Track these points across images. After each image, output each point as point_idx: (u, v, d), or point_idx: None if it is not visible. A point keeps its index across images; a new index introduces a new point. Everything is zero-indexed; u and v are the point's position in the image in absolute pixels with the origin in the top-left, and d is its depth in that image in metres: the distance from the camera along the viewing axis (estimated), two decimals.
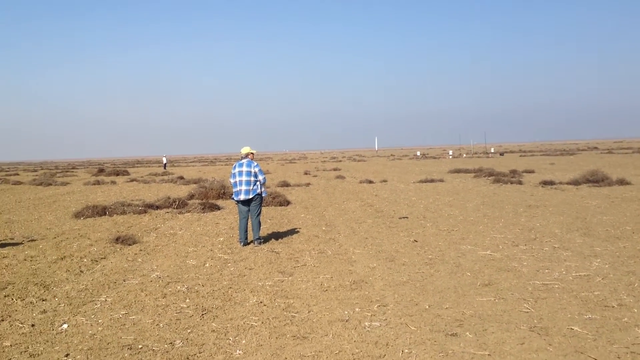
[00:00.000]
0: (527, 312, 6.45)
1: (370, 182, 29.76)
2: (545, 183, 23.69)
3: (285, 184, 28.89)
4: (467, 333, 5.81)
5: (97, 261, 10.21)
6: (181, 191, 26.16)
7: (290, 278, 8.54)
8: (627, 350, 5.21)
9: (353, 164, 67.15)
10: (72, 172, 65.95)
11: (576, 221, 13.12)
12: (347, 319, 6.43)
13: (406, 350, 5.41)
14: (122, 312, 6.92)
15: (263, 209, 15.61)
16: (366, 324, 6.22)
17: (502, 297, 7.07)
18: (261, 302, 7.23)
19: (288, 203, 19.47)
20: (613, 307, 6.52)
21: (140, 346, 5.75)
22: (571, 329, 5.83)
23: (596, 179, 22.92)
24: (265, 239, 12.03)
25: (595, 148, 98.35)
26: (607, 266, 8.52)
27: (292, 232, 13.15)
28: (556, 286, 7.51)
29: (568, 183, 23.57)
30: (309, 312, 6.77)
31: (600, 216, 13.76)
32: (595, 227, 12.21)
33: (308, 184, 29.75)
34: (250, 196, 11.47)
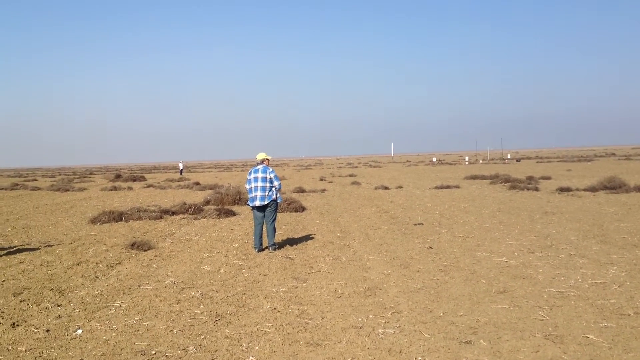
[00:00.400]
0: (542, 319, 6.40)
1: (386, 188, 29.72)
2: (561, 190, 23.50)
3: (301, 190, 28.91)
4: (482, 341, 5.78)
5: (112, 267, 10.28)
6: (197, 197, 26.27)
7: (304, 284, 8.54)
8: None
9: (369, 169, 67.08)
10: (90, 177, 66.46)
11: (593, 228, 13.01)
12: (360, 325, 6.41)
13: (420, 358, 5.38)
14: (136, 318, 6.96)
15: (278, 215, 15.65)
16: (380, 331, 6.20)
17: (517, 305, 7.02)
18: (275, 309, 7.23)
19: (303, 209, 19.48)
20: (629, 315, 6.45)
21: (153, 352, 5.77)
22: (586, 337, 5.77)
23: (613, 186, 22.71)
24: (280, 245, 12.05)
25: (613, 154, 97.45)
26: (623, 274, 8.44)
27: (307, 238, 13.16)
28: (572, 294, 7.45)
29: (585, 190, 23.37)
30: (322, 318, 6.76)
31: (618, 223, 13.63)
32: (612, 234, 12.10)
33: (323, 190, 29.76)
34: (266, 202, 11.50)
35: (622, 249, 10.46)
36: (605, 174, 28.68)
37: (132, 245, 12.09)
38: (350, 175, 48.48)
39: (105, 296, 8.09)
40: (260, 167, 11.65)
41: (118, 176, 55.12)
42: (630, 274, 8.43)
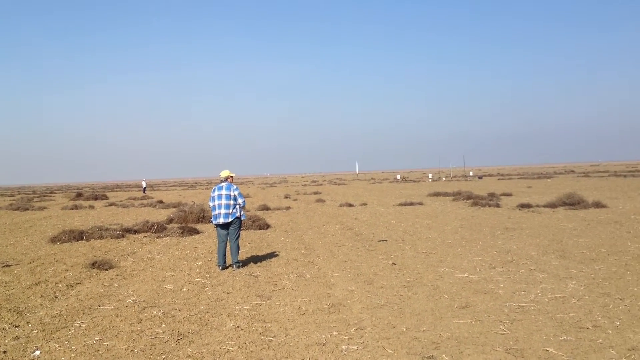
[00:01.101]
0: (503, 334, 6.49)
1: (350, 205, 29.83)
2: (522, 206, 23.90)
3: (265, 208, 28.86)
4: (444, 355, 5.82)
5: (72, 286, 10.09)
6: (160, 215, 26.01)
7: (268, 302, 8.50)
8: None
9: (333, 187, 67.24)
10: (50, 196, 65.23)
11: (552, 243, 13.25)
12: (324, 342, 6.41)
13: None
14: (96, 338, 6.83)
15: (242, 232, 15.57)
16: (343, 347, 6.20)
17: (478, 319, 7.10)
18: (238, 327, 7.18)
19: (268, 226, 19.44)
20: (588, 328, 6.58)
21: None
22: (546, 350, 5.86)
23: (572, 202, 23.19)
24: (244, 263, 11.98)
25: (572, 171, 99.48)
26: (582, 288, 8.61)
27: (271, 255, 13.12)
28: (532, 308, 7.56)
29: (545, 206, 23.81)
30: (286, 336, 6.74)
31: (576, 239, 13.91)
32: (571, 249, 12.33)
33: (288, 208, 29.75)
34: (230, 219, 11.45)
35: (581, 263, 10.67)
36: (565, 191, 29.27)
37: (93, 264, 11.89)
38: (315, 193, 48.52)
39: (65, 316, 7.93)
40: (224, 184, 11.61)
41: (79, 195, 54.22)
42: (589, 288, 8.61)
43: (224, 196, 11.47)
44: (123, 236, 17.55)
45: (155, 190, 79.24)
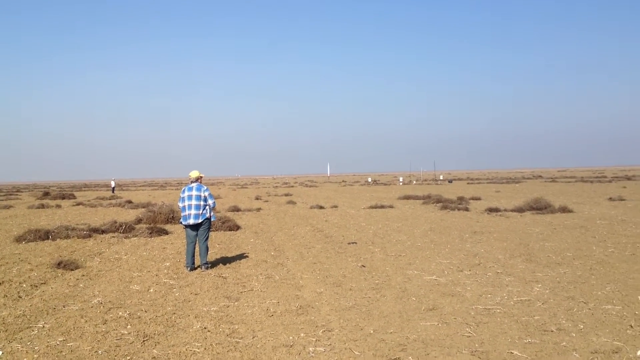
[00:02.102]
0: (469, 336, 6.55)
1: (321, 207, 29.85)
2: (490, 210, 24.19)
3: (236, 209, 28.75)
4: (410, 357, 5.85)
5: (36, 286, 9.93)
6: (129, 215, 25.72)
7: (236, 303, 8.46)
8: None
9: (305, 189, 67.25)
10: (16, 195, 64.04)
11: (519, 247, 13.42)
12: (291, 344, 6.40)
13: None
14: (59, 339, 6.72)
15: (212, 233, 15.48)
16: (310, 349, 6.20)
17: (445, 322, 7.16)
18: (205, 328, 7.13)
19: (238, 228, 19.35)
20: (552, 331, 6.67)
21: None
22: (511, 352, 5.93)
23: (539, 207, 23.53)
24: (213, 264, 11.91)
25: (540, 177, 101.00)
26: (547, 291, 8.73)
27: (241, 257, 13.07)
28: (498, 311, 7.65)
29: (512, 210, 24.13)
30: (253, 337, 6.71)
31: (543, 243, 14.10)
32: (537, 253, 12.51)
33: (259, 209, 29.66)
34: (200, 220, 11.38)
35: (547, 267, 10.83)
36: (532, 196, 29.68)
37: (59, 264, 11.70)
38: (286, 195, 48.46)
39: (28, 317, 7.79)
40: (194, 185, 11.53)
41: (46, 194, 53.34)
42: (554, 291, 8.73)
43: (194, 197, 11.40)
44: (90, 236, 17.31)
45: (124, 190, 78.38)
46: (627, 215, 21.02)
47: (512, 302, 8.09)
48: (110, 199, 45.17)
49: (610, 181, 64.72)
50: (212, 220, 11.76)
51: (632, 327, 6.73)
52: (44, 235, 16.73)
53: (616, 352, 5.83)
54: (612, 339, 6.27)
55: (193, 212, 11.38)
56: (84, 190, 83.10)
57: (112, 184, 70.82)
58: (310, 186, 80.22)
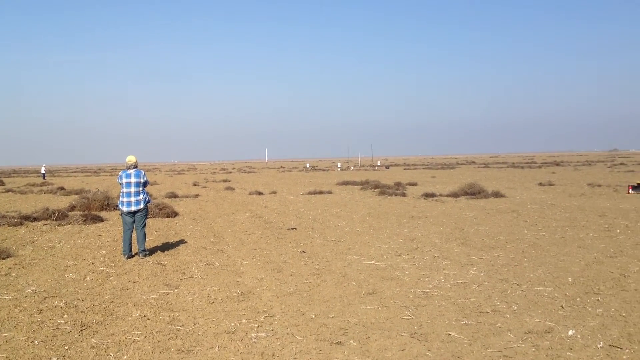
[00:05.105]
0: (408, 319, 6.70)
1: (260, 193, 29.78)
2: (427, 195, 24.68)
3: (173, 195, 28.35)
4: (352, 341, 5.95)
5: None
6: (61, 202, 24.97)
7: (176, 291, 8.38)
8: (500, 354, 5.52)
9: (243, 175, 66.86)
10: None
11: (455, 231, 13.76)
12: (233, 330, 6.40)
13: None
14: None
15: (149, 220, 15.23)
16: (253, 335, 6.22)
17: (385, 305, 7.29)
18: (145, 316, 7.04)
19: (176, 214, 19.09)
20: (487, 313, 6.90)
21: None
22: (449, 334, 6.11)
23: (473, 192, 24.16)
24: (151, 251, 11.74)
25: (473, 162, 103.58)
26: (482, 274, 9.00)
27: (179, 243, 12.92)
28: (435, 294, 7.85)
29: (448, 195, 24.69)
30: (194, 324, 6.67)
31: (477, 227, 14.51)
32: (472, 237, 12.86)
33: (197, 195, 29.33)
34: (142, 206, 11.21)
35: (481, 250, 11.15)
36: (466, 181, 30.40)
37: None
38: (225, 181, 48.06)
39: None
40: (132, 171, 11.30)
41: None
42: (488, 274, 9.01)
43: (132, 183, 11.19)
44: (21, 224, 16.73)
45: (55, 177, 75.95)
46: (556, 199, 21.85)
47: (448, 285, 8.31)
48: (41, 186, 43.77)
49: (540, 167, 67.10)
50: (149, 204, 11.60)
51: (563, 307, 7.03)
52: None
53: (548, 332, 6.09)
54: (544, 320, 6.53)
55: (133, 198, 11.17)
56: (13, 177, 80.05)
57: (43, 169, 68.58)
58: (249, 172, 79.79)
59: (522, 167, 66.52)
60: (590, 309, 6.94)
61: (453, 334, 6.11)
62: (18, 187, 41.01)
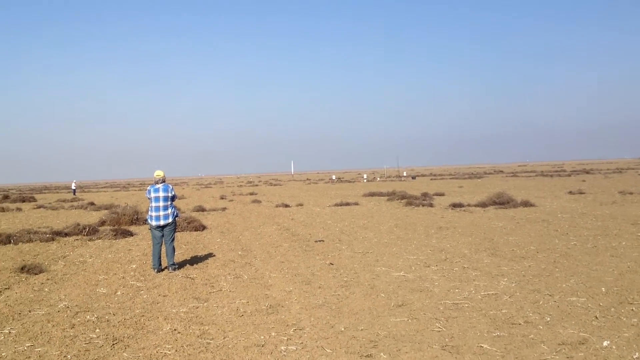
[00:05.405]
0: (439, 331, 6.63)
1: (287, 206, 29.84)
2: (454, 205, 24.48)
3: (201, 209, 28.56)
4: (382, 354, 5.91)
5: (0, 292, 9.71)
6: (92, 217, 25.33)
7: (205, 304, 8.42)
8: None
9: (269, 188, 67.11)
10: None
11: (484, 242, 13.62)
12: (263, 343, 6.40)
13: None
14: (27, 345, 6.60)
15: (177, 234, 15.36)
16: (282, 348, 6.21)
17: (415, 317, 7.24)
18: (175, 330, 7.08)
19: (204, 228, 19.23)
20: (520, 324, 6.80)
21: None
22: (481, 346, 6.03)
23: (502, 201, 23.91)
24: (180, 265, 11.82)
25: (501, 171, 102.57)
26: (513, 285, 8.89)
27: (208, 257, 12.99)
28: (466, 305, 7.76)
29: (476, 205, 24.46)
30: (224, 338, 6.69)
31: (507, 237, 14.35)
32: (501, 247, 12.72)
33: (224, 209, 29.51)
34: (170, 220, 11.32)
35: (511, 261, 11.02)
36: (494, 190, 30.10)
37: (22, 268, 11.47)
38: (251, 194, 48.31)
39: None
40: (160, 185, 11.42)
41: (5, 197, 52.08)
42: (520, 284, 8.90)
43: (161, 198, 11.32)
44: (53, 239, 16.99)
45: (86, 192, 77.10)
46: (587, 208, 21.52)
47: (479, 297, 8.22)
48: (72, 201, 44.42)
49: (569, 175, 66.21)
50: (177, 218, 11.71)
51: (597, 318, 6.91)
52: (6, 239, 16.37)
53: (583, 344, 5.98)
54: (578, 331, 6.43)
55: (162, 213, 11.29)
56: (45, 193, 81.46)
57: (73, 185, 69.57)
58: (275, 185, 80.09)
59: (551, 176, 65.71)
60: (625, 319, 6.81)
61: (485, 346, 6.03)
62: (49, 203, 41.69)
